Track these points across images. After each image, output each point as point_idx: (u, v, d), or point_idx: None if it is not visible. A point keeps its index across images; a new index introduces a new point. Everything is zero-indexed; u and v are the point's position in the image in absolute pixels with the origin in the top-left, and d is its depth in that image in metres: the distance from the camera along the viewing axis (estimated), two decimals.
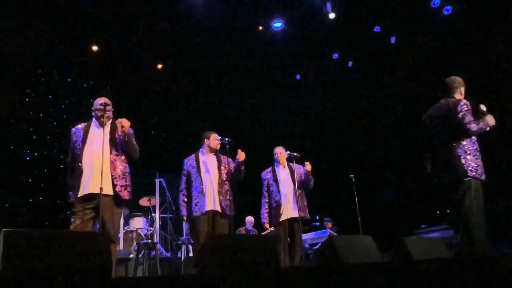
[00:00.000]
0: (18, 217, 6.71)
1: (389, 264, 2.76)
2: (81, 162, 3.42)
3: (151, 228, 6.19)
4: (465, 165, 3.59)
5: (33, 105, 7.54)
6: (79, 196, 3.36)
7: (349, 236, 3.15)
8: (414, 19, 7.94)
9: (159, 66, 8.58)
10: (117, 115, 3.72)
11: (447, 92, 3.91)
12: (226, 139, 4.30)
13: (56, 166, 7.13)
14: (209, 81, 9.01)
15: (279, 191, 4.83)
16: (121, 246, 5.68)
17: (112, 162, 3.45)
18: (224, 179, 4.30)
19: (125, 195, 3.48)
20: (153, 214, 6.50)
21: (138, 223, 6.19)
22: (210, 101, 9.30)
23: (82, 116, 4.29)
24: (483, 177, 3.63)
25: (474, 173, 3.58)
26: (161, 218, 6.69)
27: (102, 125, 3.51)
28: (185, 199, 4.30)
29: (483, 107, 3.70)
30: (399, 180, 9.45)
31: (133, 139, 3.63)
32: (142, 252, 5.08)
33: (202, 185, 4.19)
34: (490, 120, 3.66)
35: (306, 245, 6.95)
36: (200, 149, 4.46)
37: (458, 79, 3.93)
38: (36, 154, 7.37)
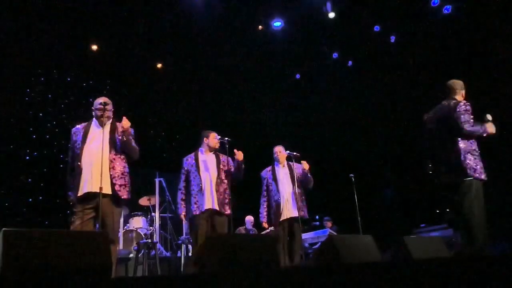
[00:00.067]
0: (18, 217, 6.71)
1: (389, 263, 2.76)
2: (80, 162, 3.43)
3: (151, 227, 6.19)
4: (465, 165, 3.60)
5: (32, 105, 7.53)
6: (79, 195, 3.37)
7: (349, 236, 3.16)
8: (414, 18, 7.94)
9: (159, 66, 8.57)
10: (117, 114, 3.72)
11: (448, 94, 3.94)
12: (226, 138, 4.32)
13: (55, 166, 7.13)
14: (209, 81, 9.00)
15: (278, 190, 4.83)
16: (121, 246, 5.67)
17: (111, 162, 3.46)
18: (223, 177, 4.31)
19: (124, 194, 3.49)
20: (153, 214, 6.49)
21: (138, 222, 6.19)
22: (210, 101, 9.30)
23: (82, 116, 4.29)
24: (483, 177, 3.65)
25: (474, 173, 3.59)
26: (161, 218, 6.68)
27: (102, 124, 3.51)
28: (183, 197, 4.30)
29: (489, 117, 3.77)
30: (399, 180, 9.44)
31: (133, 139, 3.63)
32: (142, 251, 5.08)
33: (201, 184, 4.19)
34: (490, 127, 3.70)
35: (306, 245, 6.95)
36: (200, 148, 4.47)
37: (459, 82, 3.98)
38: (35, 153, 7.36)
